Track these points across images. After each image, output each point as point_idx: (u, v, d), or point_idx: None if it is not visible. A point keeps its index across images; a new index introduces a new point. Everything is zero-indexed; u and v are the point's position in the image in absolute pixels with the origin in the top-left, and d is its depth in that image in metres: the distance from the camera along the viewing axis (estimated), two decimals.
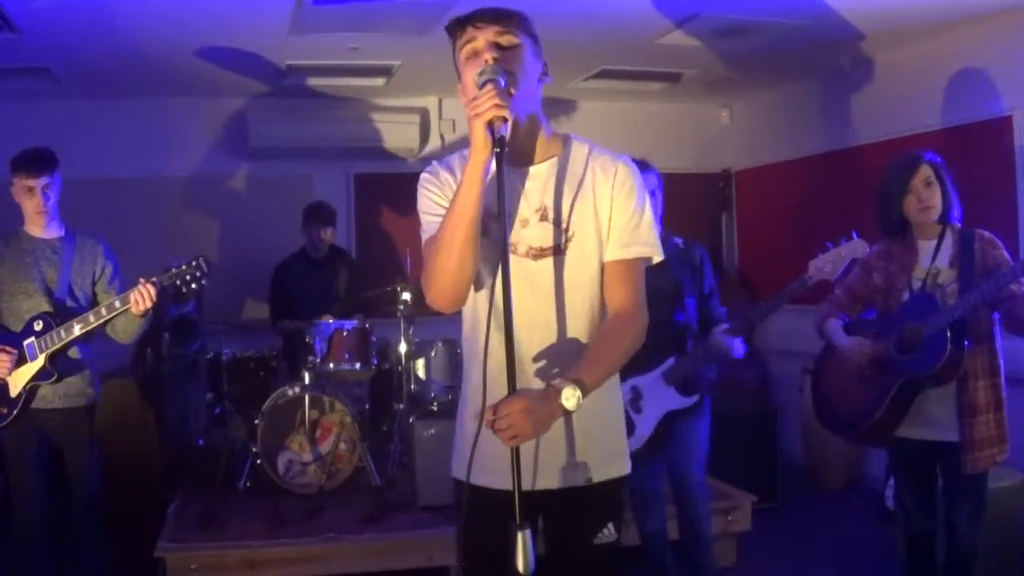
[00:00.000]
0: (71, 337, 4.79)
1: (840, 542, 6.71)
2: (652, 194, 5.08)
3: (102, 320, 4.75)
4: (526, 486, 2.62)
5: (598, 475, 2.89)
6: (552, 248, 2.81)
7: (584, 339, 2.83)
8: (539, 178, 2.85)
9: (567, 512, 2.62)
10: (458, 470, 2.93)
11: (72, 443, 5.03)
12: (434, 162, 2.95)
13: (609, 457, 2.94)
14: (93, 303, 5.05)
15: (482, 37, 2.75)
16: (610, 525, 2.92)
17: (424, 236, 2.85)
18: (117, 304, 4.68)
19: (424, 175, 2.92)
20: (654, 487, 5.21)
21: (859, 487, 7.94)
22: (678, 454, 5.19)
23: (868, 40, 7.32)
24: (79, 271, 5.07)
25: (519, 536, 2.49)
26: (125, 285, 4.95)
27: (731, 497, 6.29)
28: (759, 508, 6.41)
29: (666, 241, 5.12)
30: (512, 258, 2.75)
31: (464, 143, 2.68)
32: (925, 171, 4.40)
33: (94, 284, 5.13)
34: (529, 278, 2.79)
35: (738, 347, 4.94)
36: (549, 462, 2.71)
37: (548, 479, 2.70)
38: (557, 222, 2.83)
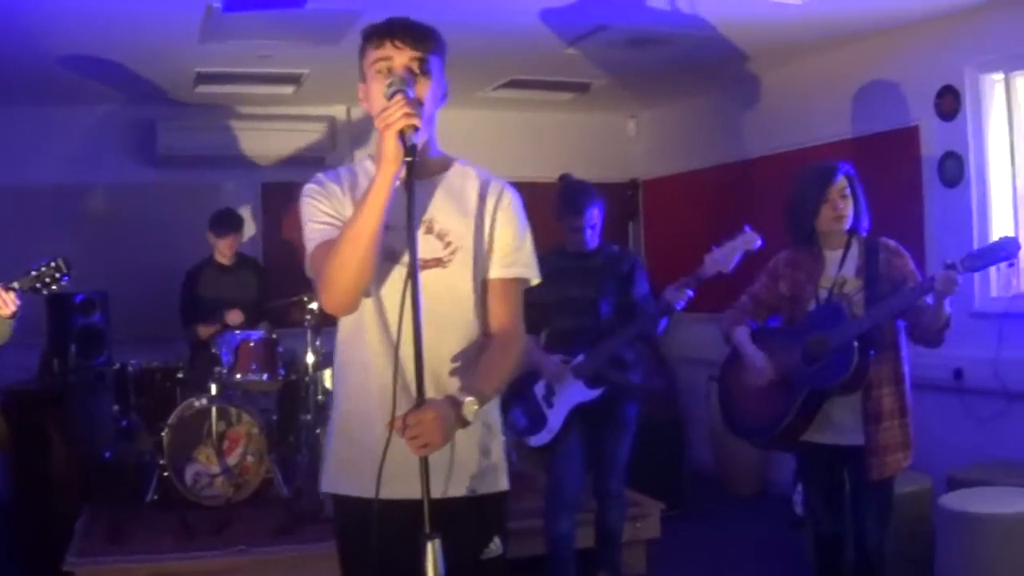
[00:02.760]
0: None
1: (749, 548, 6.74)
2: (593, 227, 5.38)
3: None
4: (406, 495, 2.62)
5: (481, 487, 2.86)
6: (435, 261, 2.80)
7: (464, 354, 2.83)
8: (426, 193, 2.83)
9: (450, 525, 2.55)
10: (332, 484, 2.93)
11: None
12: (320, 174, 2.94)
13: (491, 471, 2.92)
14: None
15: (399, 59, 2.76)
16: (496, 539, 2.90)
17: (311, 244, 2.83)
18: None
19: (310, 186, 2.90)
20: (571, 491, 5.30)
21: (767, 493, 8.00)
22: (599, 465, 5.35)
23: (754, 58, 7.52)
24: None
25: (429, 546, 2.45)
26: None
27: (640, 505, 6.30)
28: (667, 515, 6.43)
29: (603, 248, 5.28)
30: (396, 268, 2.75)
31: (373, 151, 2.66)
32: (842, 182, 4.42)
33: None
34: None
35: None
36: (433, 470, 2.60)
37: (435, 488, 2.59)
38: (441, 236, 2.83)
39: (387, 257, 2.72)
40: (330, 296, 2.73)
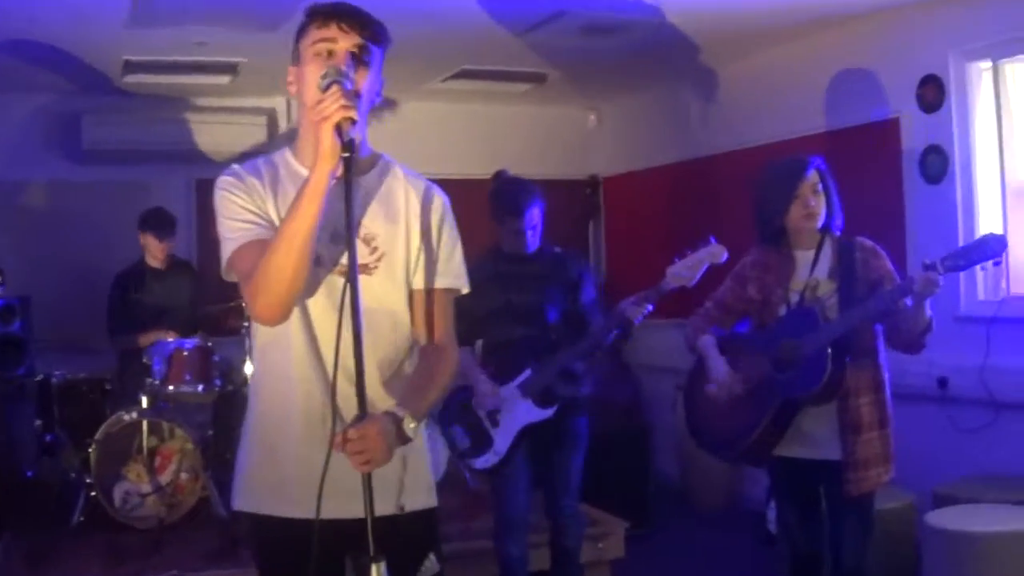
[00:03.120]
0: None
1: (720, 568, 6.74)
2: (533, 228, 5.29)
3: None
4: (332, 514, 2.61)
5: (411, 504, 2.88)
6: (360, 267, 2.76)
7: (388, 366, 2.85)
8: (354, 194, 2.76)
9: (381, 545, 2.53)
10: (248, 503, 2.90)
11: None
12: (235, 166, 2.89)
13: (420, 487, 2.94)
14: None
15: (342, 43, 2.75)
16: (432, 556, 2.90)
17: (231, 244, 2.78)
18: None
19: (226, 178, 2.86)
20: (519, 511, 5.27)
21: (738, 509, 7.98)
22: (551, 484, 5.32)
23: (721, 47, 7.61)
24: None
25: (373, 569, 2.45)
26: None
27: (602, 523, 6.28)
28: (632, 534, 6.42)
29: (544, 251, 5.23)
30: (321, 273, 2.74)
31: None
32: (814, 177, 4.39)
33: None
34: (334, 296, 2.73)
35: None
36: (358, 489, 2.58)
37: (359, 507, 2.58)
38: (367, 241, 2.83)
39: (312, 262, 2.69)
40: (263, 304, 2.69)
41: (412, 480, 2.89)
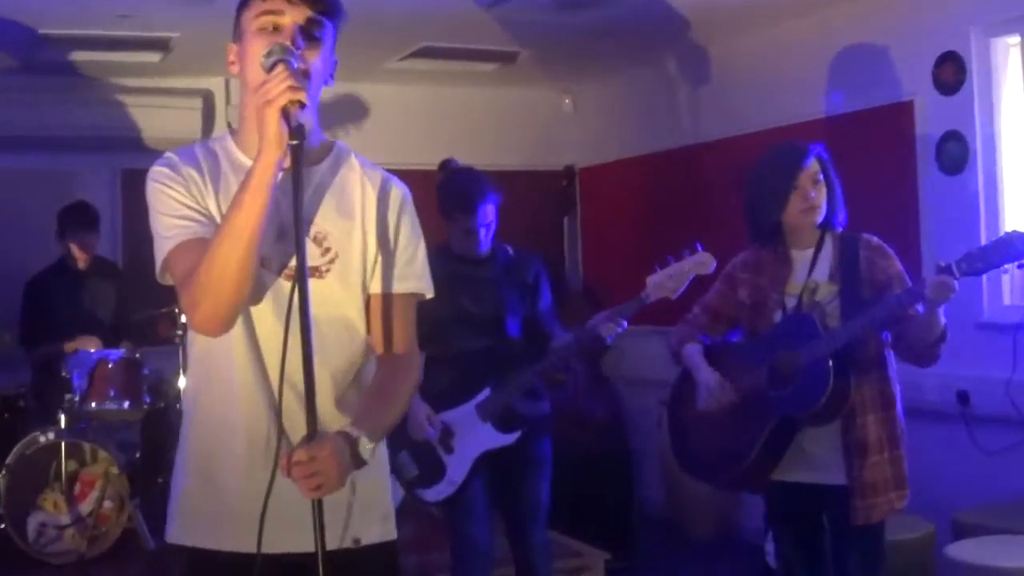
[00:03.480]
0: None
1: None
2: (488, 226, 5.24)
3: None
4: (274, 548, 2.63)
5: (367, 536, 2.86)
6: (311, 270, 2.75)
7: (342, 380, 2.83)
8: (305, 187, 2.75)
9: None
10: (184, 535, 2.85)
11: None
12: (169, 153, 2.85)
13: (377, 517, 2.93)
14: None
15: (291, 17, 2.71)
16: None
17: (167, 243, 2.74)
18: None
19: (160, 168, 2.81)
20: (480, 543, 5.25)
21: (732, 539, 7.99)
22: (515, 513, 5.28)
23: (709, 23, 7.58)
24: None
25: None
26: None
27: (580, 555, 6.30)
28: (614, 567, 6.43)
29: (497, 251, 5.19)
30: (266, 276, 2.72)
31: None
32: (814, 166, 4.38)
33: None
34: (280, 302, 2.70)
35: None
36: (309, 519, 2.57)
37: (309, 539, 2.56)
38: (319, 241, 2.81)
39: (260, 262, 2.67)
40: (204, 312, 2.66)
41: (368, 509, 2.86)
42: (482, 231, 5.19)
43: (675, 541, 8.05)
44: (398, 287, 2.91)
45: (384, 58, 8.32)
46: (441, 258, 5.14)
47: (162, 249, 2.76)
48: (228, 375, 2.74)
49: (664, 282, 4.79)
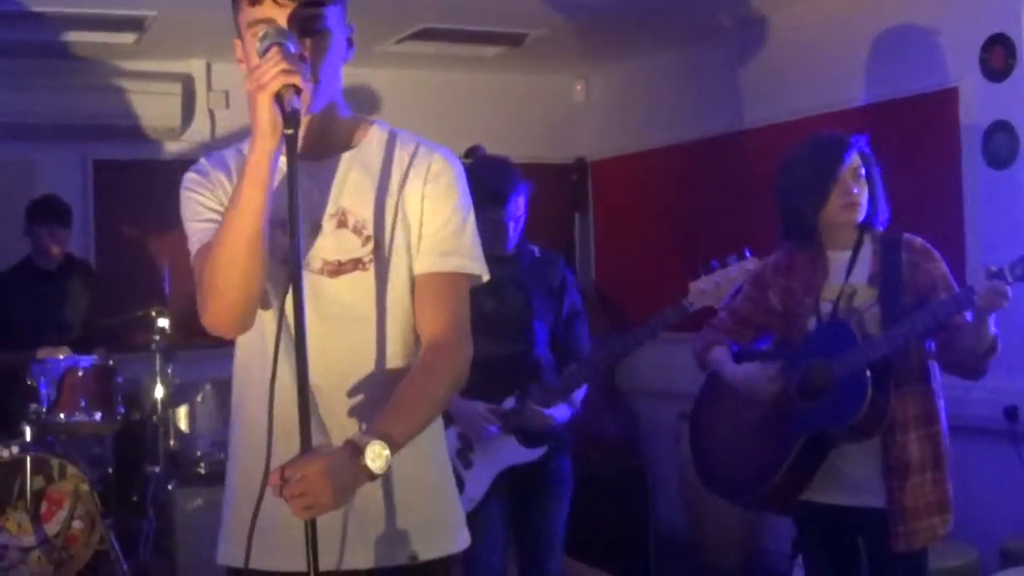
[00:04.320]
0: None
1: None
2: (517, 220, 5.23)
3: None
4: (329, 566, 2.62)
5: (425, 552, 2.85)
6: (353, 262, 2.79)
7: (394, 377, 2.81)
8: (334, 174, 2.81)
9: None
10: (230, 555, 2.88)
11: None
12: (203, 159, 2.91)
13: (438, 527, 2.94)
14: None
15: (282, 14, 2.69)
16: None
17: (192, 248, 2.82)
18: None
19: (190, 175, 2.89)
20: (491, 564, 5.19)
21: (758, 567, 7.99)
22: (531, 539, 5.26)
23: None
24: None
25: None
26: None
27: None
28: None
29: (523, 251, 5.18)
30: (302, 273, 2.66)
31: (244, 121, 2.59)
32: (856, 161, 4.36)
33: None
34: (323, 301, 2.75)
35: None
36: (358, 535, 2.66)
37: (358, 557, 2.65)
38: (358, 229, 2.83)
39: (286, 259, 2.63)
40: (210, 312, 2.70)
41: (428, 519, 2.88)
42: (511, 224, 5.17)
43: (694, 567, 8.06)
44: (443, 265, 2.87)
45: (379, 40, 8.32)
46: None
47: (191, 254, 2.80)
48: (265, 379, 2.69)
49: (710, 289, 4.76)
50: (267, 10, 2.69)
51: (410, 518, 2.83)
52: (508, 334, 5.13)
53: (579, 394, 5.22)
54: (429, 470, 2.90)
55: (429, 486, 2.92)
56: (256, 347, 2.80)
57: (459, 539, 2.98)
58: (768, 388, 4.43)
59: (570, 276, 5.38)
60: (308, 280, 2.71)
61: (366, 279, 2.79)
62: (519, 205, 5.19)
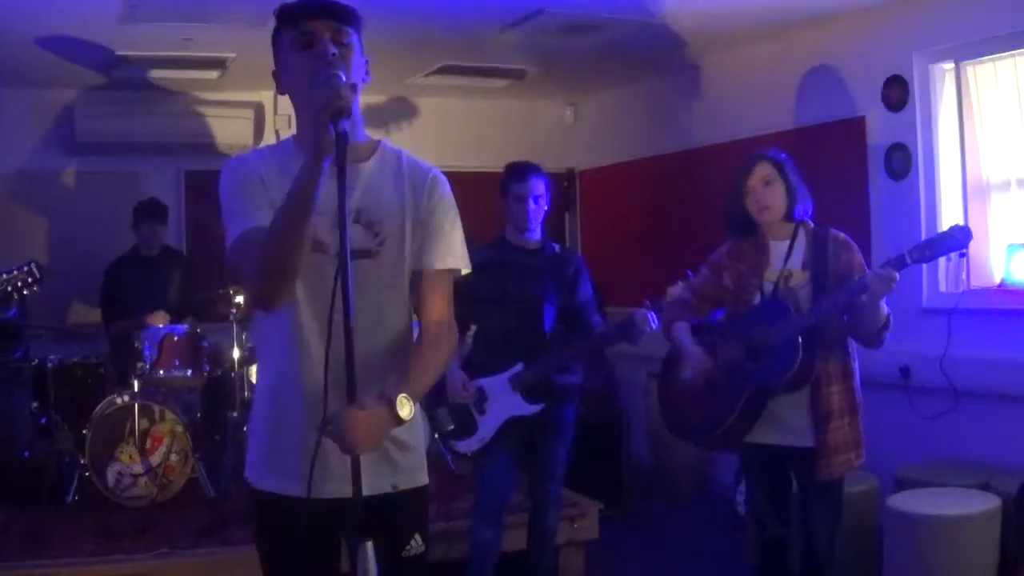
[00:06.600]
0: None
1: (690, 549, 6.73)
2: (537, 200, 5.21)
3: None
4: (331, 494, 2.67)
5: (404, 483, 2.86)
6: (363, 252, 2.77)
7: (394, 349, 2.84)
8: (353, 179, 2.77)
9: (372, 523, 2.51)
10: (258, 478, 2.88)
11: None
12: (240, 153, 2.93)
13: (414, 465, 2.92)
14: None
15: (320, 32, 2.72)
16: (417, 536, 2.89)
17: (232, 231, 2.76)
18: None
19: (233, 167, 2.87)
20: (497, 498, 5.26)
21: (708, 492, 7.97)
22: (535, 469, 5.27)
23: (695, 46, 7.60)
24: None
25: (363, 548, 2.46)
26: None
27: (577, 505, 6.25)
28: (606, 516, 6.39)
29: (544, 246, 5.17)
30: (323, 259, 2.71)
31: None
32: (762, 170, 4.40)
33: None
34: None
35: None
36: (363, 469, 2.56)
37: (351, 486, 2.56)
38: (369, 226, 2.81)
39: (315, 247, 2.68)
40: (255, 291, 2.72)
41: (405, 459, 2.87)
42: (531, 202, 5.16)
43: (659, 493, 8.02)
44: (440, 264, 2.87)
45: (409, 75, 8.31)
46: (497, 247, 5.16)
47: (229, 237, 2.76)
48: (290, 342, 2.75)
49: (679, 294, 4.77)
50: (307, 26, 2.74)
51: (396, 455, 2.83)
52: (523, 313, 5.16)
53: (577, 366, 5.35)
54: (415, 423, 2.85)
55: (412, 432, 2.89)
56: (280, 316, 2.75)
57: (426, 476, 2.95)
58: (702, 367, 4.47)
59: (584, 270, 5.35)
60: (327, 264, 2.68)
61: (373, 266, 2.79)
62: (538, 185, 5.19)
